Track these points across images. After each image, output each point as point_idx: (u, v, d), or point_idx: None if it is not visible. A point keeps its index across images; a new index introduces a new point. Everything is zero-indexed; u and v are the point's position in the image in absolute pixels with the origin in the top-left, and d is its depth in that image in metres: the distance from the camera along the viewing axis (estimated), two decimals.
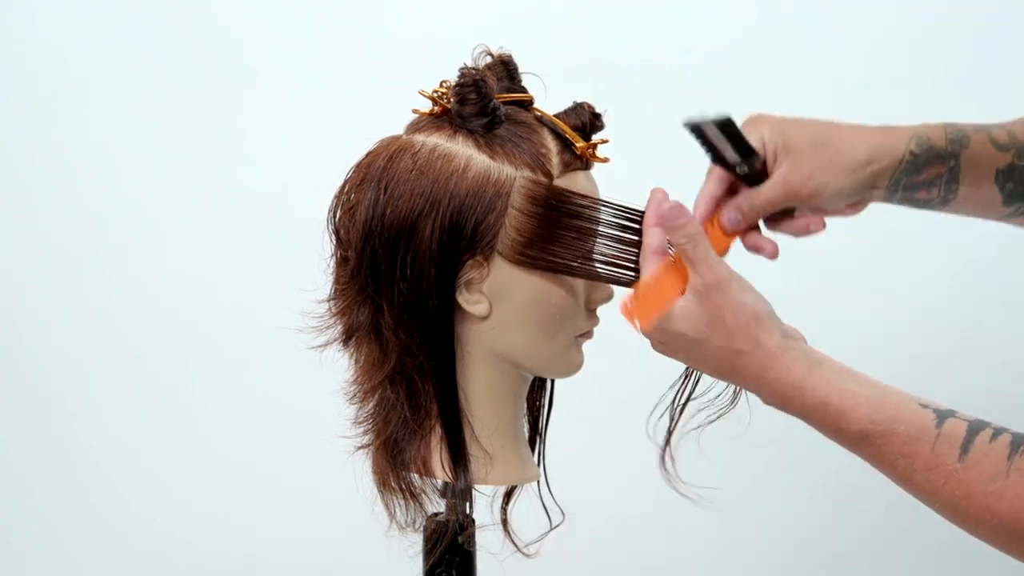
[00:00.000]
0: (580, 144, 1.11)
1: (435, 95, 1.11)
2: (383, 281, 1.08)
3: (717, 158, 1.13)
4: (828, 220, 1.17)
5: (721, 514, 1.98)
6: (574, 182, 1.11)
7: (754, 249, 1.15)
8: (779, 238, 1.16)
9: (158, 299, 2.01)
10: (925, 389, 1.05)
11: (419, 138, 1.09)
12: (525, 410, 1.21)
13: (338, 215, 1.11)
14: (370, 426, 1.16)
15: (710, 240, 1.06)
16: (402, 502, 1.17)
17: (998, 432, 0.97)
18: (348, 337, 1.14)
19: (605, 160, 1.14)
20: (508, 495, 1.23)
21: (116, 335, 2.03)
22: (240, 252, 1.98)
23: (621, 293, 1.17)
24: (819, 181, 1.13)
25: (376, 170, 1.08)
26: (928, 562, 1.96)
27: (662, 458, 1.16)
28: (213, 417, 2.02)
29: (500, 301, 1.09)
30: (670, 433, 1.16)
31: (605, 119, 1.14)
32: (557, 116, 1.13)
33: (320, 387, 1.21)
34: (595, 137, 1.14)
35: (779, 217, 1.16)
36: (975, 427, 0.98)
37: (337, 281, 1.13)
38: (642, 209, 1.10)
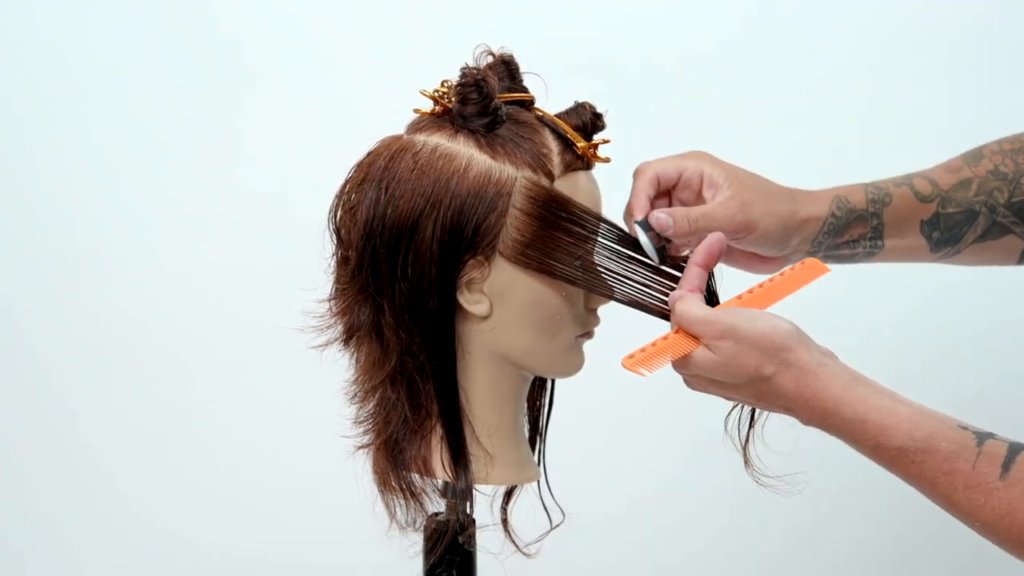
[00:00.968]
0: (581, 144, 1.11)
1: (436, 95, 1.11)
2: (384, 281, 1.08)
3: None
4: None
5: (721, 515, 1.99)
6: (575, 182, 1.11)
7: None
8: None
9: (158, 299, 2.01)
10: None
11: (420, 138, 1.09)
12: (526, 410, 1.21)
13: (339, 215, 1.11)
14: (370, 426, 1.16)
15: (677, 344, 1.07)
16: (402, 502, 1.17)
17: None
18: (349, 337, 1.14)
19: (606, 160, 1.14)
20: (508, 495, 1.23)
21: (116, 335, 2.03)
22: (240, 252, 1.98)
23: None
24: (756, 215, 1.17)
25: (377, 170, 1.08)
26: (923, 563, 1.96)
27: (745, 459, 1.17)
28: (213, 417, 2.02)
29: (501, 301, 1.09)
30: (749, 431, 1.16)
31: (606, 119, 1.15)
32: (558, 116, 1.13)
33: (320, 387, 1.21)
34: (596, 137, 1.14)
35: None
36: (1016, 447, 0.98)
37: (338, 281, 1.13)
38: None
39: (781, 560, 1.98)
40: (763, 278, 1.17)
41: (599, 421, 1.89)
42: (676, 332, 1.08)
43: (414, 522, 1.18)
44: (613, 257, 1.12)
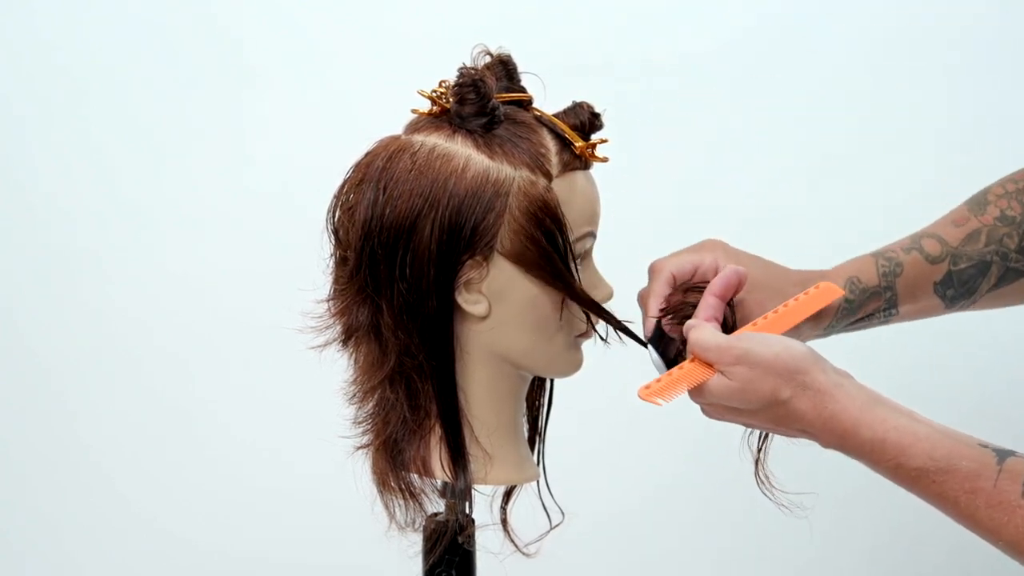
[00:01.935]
0: (579, 144, 1.11)
1: (434, 95, 1.11)
2: (382, 281, 1.08)
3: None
4: None
5: (721, 514, 1.99)
6: (573, 181, 1.11)
7: None
8: None
9: (158, 299, 2.01)
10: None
11: (418, 138, 1.09)
12: (525, 410, 1.21)
13: (337, 215, 1.11)
14: (369, 426, 1.16)
15: (692, 373, 1.07)
16: (402, 502, 1.17)
17: None
18: (347, 337, 1.13)
19: (604, 160, 1.14)
20: (508, 495, 1.23)
21: (116, 335, 2.03)
22: (240, 252, 1.98)
23: (620, 293, 1.18)
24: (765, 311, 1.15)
25: (375, 170, 1.08)
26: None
27: (757, 474, 1.16)
28: (213, 417, 2.02)
29: (499, 301, 1.09)
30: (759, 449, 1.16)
31: (604, 118, 1.15)
32: (556, 116, 1.13)
33: (320, 387, 1.21)
34: (594, 137, 1.14)
35: None
36: None
37: (336, 281, 1.12)
38: None
39: (782, 560, 1.98)
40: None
41: (599, 421, 1.89)
42: (691, 361, 1.08)
43: (413, 522, 1.18)
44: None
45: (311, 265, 1.15)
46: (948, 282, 1.25)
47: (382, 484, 1.16)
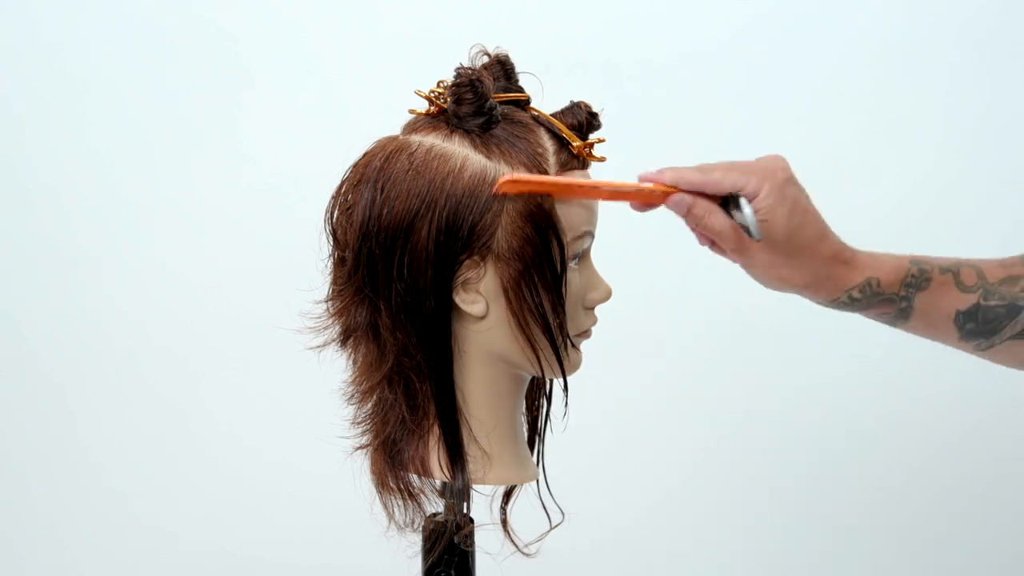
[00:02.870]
0: (577, 143, 1.11)
1: (431, 95, 1.11)
2: (380, 281, 1.08)
3: (727, 209, 1.12)
4: None
5: (722, 514, 1.99)
6: None
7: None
8: None
9: (158, 299, 2.02)
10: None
11: (416, 138, 1.09)
12: (524, 410, 1.21)
13: (335, 215, 1.11)
14: (368, 426, 1.16)
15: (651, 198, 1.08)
16: (401, 502, 1.17)
17: None
18: (346, 337, 1.13)
19: (602, 159, 1.14)
20: (507, 495, 1.23)
21: (116, 335, 2.03)
22: (239, 252, 1.99)
23: (619, 293, 1.18)
24: (776, 272, 1.14)
25: (373, 170, 1.08)
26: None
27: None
28: (212, 417, 2.02)
29: (497, 301, 1.08)
30: None
31: (602, 118, 1.14)
32: (554, 115, 1.13)
33: (319, 387, 1.21)
34: (592, 136, 1.14)
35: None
36: None
37: (334, 282, 1.12)
38: None
39: (784, 560, 1.98)
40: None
41: (599, 420, 1.88)
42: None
43: (412, 522, 1.18)
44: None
45: (310, 265, 1.15)
46: (972, 315, 1.20)
47: (381, 484, 1.16)
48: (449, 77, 1.10)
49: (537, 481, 1.21)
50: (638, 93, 1.90)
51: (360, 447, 1.17)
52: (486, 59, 1.13)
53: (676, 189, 1.10)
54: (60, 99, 2.03)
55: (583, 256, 1.13)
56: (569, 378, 1.17)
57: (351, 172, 1.11)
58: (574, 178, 1.08)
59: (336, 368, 1.17)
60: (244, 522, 2.01)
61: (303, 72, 1.99)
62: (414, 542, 1.20)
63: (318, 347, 1.14)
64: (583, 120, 1.12)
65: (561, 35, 1.93)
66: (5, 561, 2.07)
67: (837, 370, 1.93)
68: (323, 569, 1.99)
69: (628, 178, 1.17)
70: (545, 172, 1.09)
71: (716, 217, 1.11)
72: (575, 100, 1.14)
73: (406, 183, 1.06)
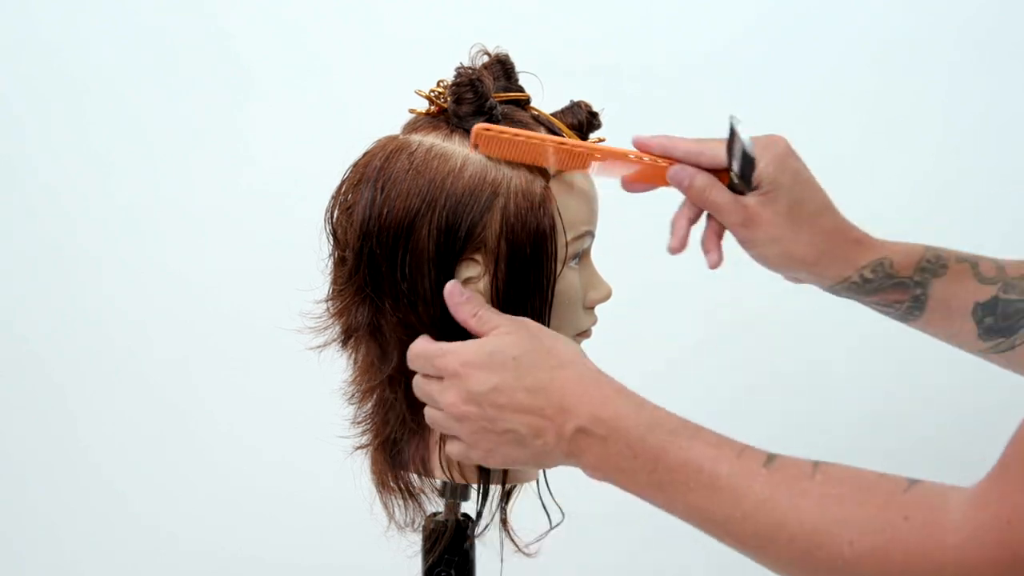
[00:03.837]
0: None
1: (432, 95, 1.11)
2: (382, 281, 1.08)
3: (728, 156, 1.12)
4: None
5: None
6: (571, 180, 1.11)
7: (704, 247, 1.16)
8: None
9: (158, 299, 2.01)
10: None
11: (416, 138, 1.09)
12: None
13: (335, 215, 1.11)
14: (368, 426, 1.16)
15: (646, 171, 1.08)
16: (401, 502, 1.17)
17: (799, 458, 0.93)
18: (347, 337, 1.13)
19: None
20: (508, 495, 1.23)
21: (116, 335, 2.03)
22: (239, 252, 1.98)
23: (619, 293, 1.18)
24: (781, 248, 1.13)
25: (373, 170, 1.08)
26: None
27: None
28: (212, 417, 2.02)
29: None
30: None
31: (602, 117, 1.14)
32: (554, 115, 1.13)
33: (319, 387, 1.21)
34: (592, 136, 1.14)
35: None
36: (776, 453, 0.94)
37: (335, 281, 1.12)
38: None
39: None
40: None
41: None
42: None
43: (412, 522, 1.18)
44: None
45: (310, 266, 1.14)
46: (991, 308, 1.16)
47: (381, 484, 1.16)
48: (449, 77, 1.10)
49: (537, 481, 1.21)
50: (638, 93, 1.89)
51: (360, 447, 1.17)
52: (486, 59, 1.13)
53: (670, 160, 1.10)
54: (60, 99, 2.03)
55: (583, 256, 1.13)
56: None
57: (351, 172, 1.11)
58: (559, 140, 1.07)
59: (336, 368, 1.17)
60: (244, 522, 2.01)
61: (303, 72, 1.99)
62: (414, 542, 1.19)
63: (318, 347, 1.14)
64: (583, 120, 1.13)
65: (561, 35, 1.93)
66: (5, 561, 2.06)
67: (838, 369, 1.93)
68: (323, 569, 1.99)
69: (642, 136, 1.15)
70: (545, 172, 1.08)
71: (718, 191, 1.11)
72: (575, 100, 1.14)
73: (406, 183, 1.06)
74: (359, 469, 1.18)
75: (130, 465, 2.03)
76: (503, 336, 1.02)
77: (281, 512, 2.00)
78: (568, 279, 1.10)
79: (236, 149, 2.00)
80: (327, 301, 1.14)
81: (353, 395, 1.16)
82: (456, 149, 1.07)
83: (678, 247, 1.15)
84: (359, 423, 1.17)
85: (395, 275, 1.07)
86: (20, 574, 2.07)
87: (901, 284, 1.17)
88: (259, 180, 1.98)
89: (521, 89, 1.14)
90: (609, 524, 1.91)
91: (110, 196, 2.02)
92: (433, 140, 1.08)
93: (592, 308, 1.15)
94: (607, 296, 1.15)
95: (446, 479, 1.13)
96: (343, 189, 1.11)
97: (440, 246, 1.05)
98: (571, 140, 1.08)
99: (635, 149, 1.13)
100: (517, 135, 1.05)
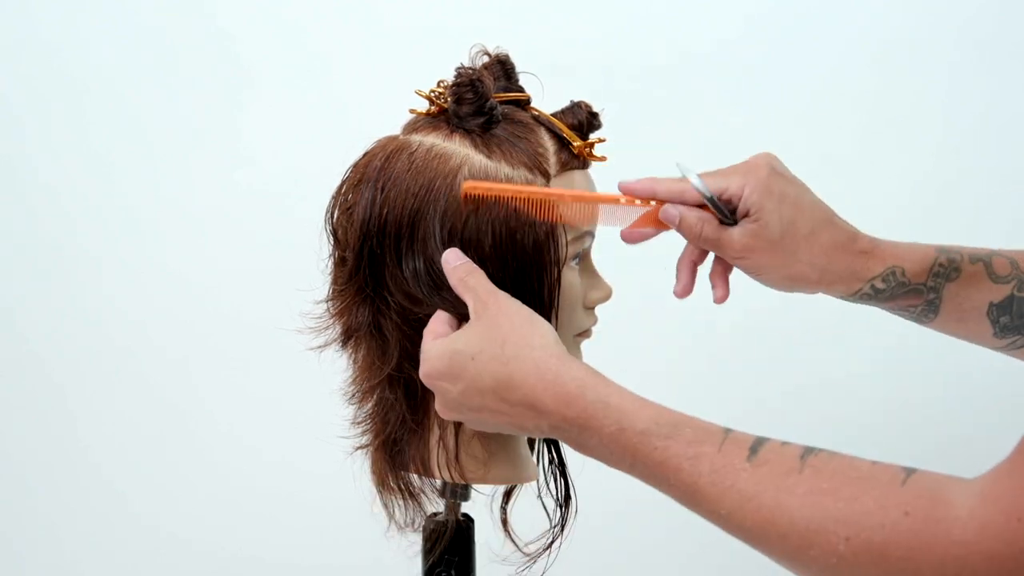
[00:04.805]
0: (577, 143, 1.11)
1: (432, 95, 1.11)
2: (382, 281, 1.08)
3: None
4: None
5: None
6: (571, 181, 1.11)
7: (711, 281, 1.15)
8: None
9: (157, 299, 2.01)
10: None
11: (416, 138, 1.09)
12: None
13: (335, 215, 1.11)
14: (369, 426, 1.16)
15: (643, 217, 1.08)
16: (401, 502, 1.17)
17: (787, 443, 0.91)
18: (347, 338, 1.13)
19: (602, 159, 1.14)
20: (508, 495, 1.23)
21: (115, 335, 2.02)
22: (239, 252, 1.98)
23: (619, 293, 1.18)
24: (783, 273, 1.12)
25: (373, 170, 1.08)
26: None
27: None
28: (212, 417, 2.02)
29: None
30: None
31: (602, 118, 1.14)
32: (554, 115, 1.13)
33: (319, 387, 1.21)
34: (592, 136, 1.14)
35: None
36: (762, 438, 0.92)
37: (335, 282, 1.12)
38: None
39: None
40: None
41: None
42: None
43: (412, 522, 1.18)
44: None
45: (310, 266, 1.15)
46: (1006, 307, 1.15)
47: (381, 484, 1.16)
48: (449, 77, 1.10)
49: (537, 481, 1.21)
50: (638, 93, 1.89)
51: (360, 447, 1.17)
52: (486, 59, 1.13)
53: (651, 200, 1.10)
54: (60, 99, 2.02)
55: (583, 256, 1.13)
56: None
57: (351, 172, 1.11)
58: (550, 187, 1.07)
59: (336, 368, 1.17)
60: (244, 522, 2.00)
61: (303, 72, 1.99)
62: (414, 542, 1.19)
63: (318, 347, 1.14)
64: (583, 120, 1.12)
65: (561, 35, 1.93)
66: (5, 561, 2.06)
67: (841, 372, 1.93)
68: (323, 569, 1.99)
69: (628, 178, 1.16)
70: (546, 172, 1.09)
71: (708, 226, 1.11)
72: (575, 100, 1.14)
73: (406, 182, 1.06)
74: (359, 469, 1.18)
75: (130, 465, 2.03)
76: (465, 332, 1.02)
77: (281, 512, 2.00)
78: (568, 279, 1.10)
79: (236, 149, 2.00)
80: (327, 301, 1.14)
81: (353, 395, 1.16)
82: (456, 149, 1.07)
83: (682, 293, 1.16)
84: (359, 423, 1.17)
85: (396, 275, 1.07)
86: (20, 574, 2.07)
87: (915, 290, 1.15)
88: (259, 180, 1.98)
89: (521, 89, 1.14)
90: (609, 524, 1.91)
91: (110, 196, 2.02)
92: (433, 140, 1.08)
93: (593, 308, 1.15)
94: (608, 296, 1.15)
95: (446, 479, 1.13)
96: (343, 189, 1.11)
97: (440, 246, 1.05)
98: (557, 190, 1.07)
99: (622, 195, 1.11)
100: (504, 190, 1.04)
